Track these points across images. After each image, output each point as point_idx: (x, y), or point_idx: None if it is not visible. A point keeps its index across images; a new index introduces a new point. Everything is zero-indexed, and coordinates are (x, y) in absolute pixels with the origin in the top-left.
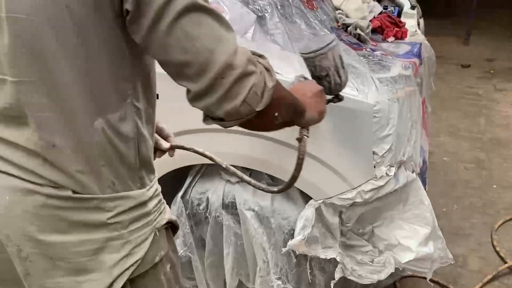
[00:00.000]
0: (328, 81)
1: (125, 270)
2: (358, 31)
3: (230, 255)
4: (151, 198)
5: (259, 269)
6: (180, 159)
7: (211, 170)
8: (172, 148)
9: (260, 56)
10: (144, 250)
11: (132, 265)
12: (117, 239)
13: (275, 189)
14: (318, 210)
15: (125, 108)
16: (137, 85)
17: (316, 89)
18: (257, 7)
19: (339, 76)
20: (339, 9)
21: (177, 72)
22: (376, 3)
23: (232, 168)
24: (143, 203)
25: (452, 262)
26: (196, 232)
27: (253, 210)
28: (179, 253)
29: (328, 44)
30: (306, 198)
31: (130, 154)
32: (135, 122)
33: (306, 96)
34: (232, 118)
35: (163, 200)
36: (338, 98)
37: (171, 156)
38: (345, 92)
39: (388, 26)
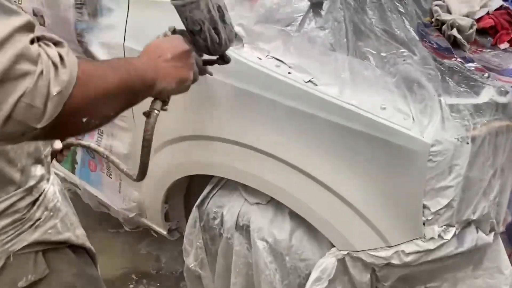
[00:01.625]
0: (203, 38)
1: None
2: (454, 31)
3: (237, 285)
4: None
5: None
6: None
7: (231, 184)
8: (66, 147)
9: (58, 43)
10: None
11: None
12: None
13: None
14: (342, 262)
15: None
16: None
17: (179, 50)
18: None
19: (217, 33)
20: None
21: None
22: None
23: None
24: None
25: None
26: (212, 247)
27: (267, 242)
28: (190, 266)
29: None
30: None
31: None
32: None
33: (162, 58)
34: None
35: (36, 217)
36: (223, 60)
37: (58, 161)
38: (394, 122)
39: (505, 28)
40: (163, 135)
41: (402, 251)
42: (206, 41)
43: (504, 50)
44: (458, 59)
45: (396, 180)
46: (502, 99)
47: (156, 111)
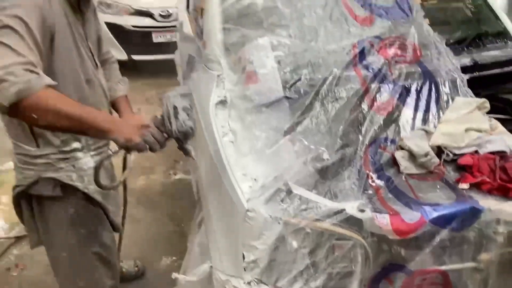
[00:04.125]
0: (165, 124)
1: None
2: (397, 153)
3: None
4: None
5: None
6: None
7: None
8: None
9: (37, 73)
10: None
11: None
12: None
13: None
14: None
15: None
16: None
17: (138, 122)
18: (296, 89)
19: (170, 124)
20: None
21: None
22: (498, 138)
23: None
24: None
25: None
26: None
27: None
28: None
29: (166, 93)
30: None
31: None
32: None
33: (125, 123)
34: None
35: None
36: (184, 149)
37: None
38: (239, 182)
39: (481, 172)
40: None
41: (231, 282)
42: (165, 127)
43: (462, 189)
44: (370, 173)
45: (231, 224)
46: (357, 214)
47: (111, 151)
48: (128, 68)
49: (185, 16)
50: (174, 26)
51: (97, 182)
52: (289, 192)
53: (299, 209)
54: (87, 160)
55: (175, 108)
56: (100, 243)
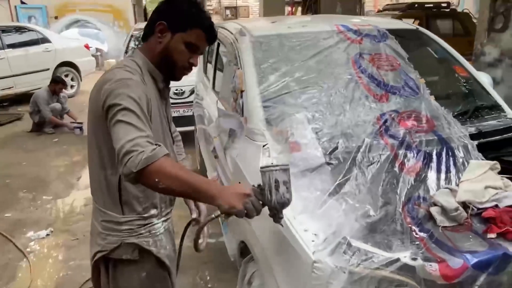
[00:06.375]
0: (264, 194)
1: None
2: (433, 209)
3: None
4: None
5: None
6: None
7: None
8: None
9: (158, 145)
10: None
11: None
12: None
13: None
14: None
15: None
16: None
17: (239, 191)
18: (335, 156)
19: (270, 195)
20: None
21: None
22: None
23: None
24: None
25: None
26: None
27: None
28: None
29: (268, 166)
30: None
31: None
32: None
33: (229, 190)
34: (123, 175)
35: (139, 231)
36: (277, 217)
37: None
38: (302, 237)
39: (503, 223)
40: None
41: None
42: (264, 197)
43: (490, 238)
44: (413, 227)
45: (297, 276)
46: (410, 262)
47: (214, 215)
48: None
49: (214, 96)
50: (187, 103)
51: (196, 246)
52: (349, 244)
53: (360, 259)
54: (159, 226)
55: (276, 181)
56: None
